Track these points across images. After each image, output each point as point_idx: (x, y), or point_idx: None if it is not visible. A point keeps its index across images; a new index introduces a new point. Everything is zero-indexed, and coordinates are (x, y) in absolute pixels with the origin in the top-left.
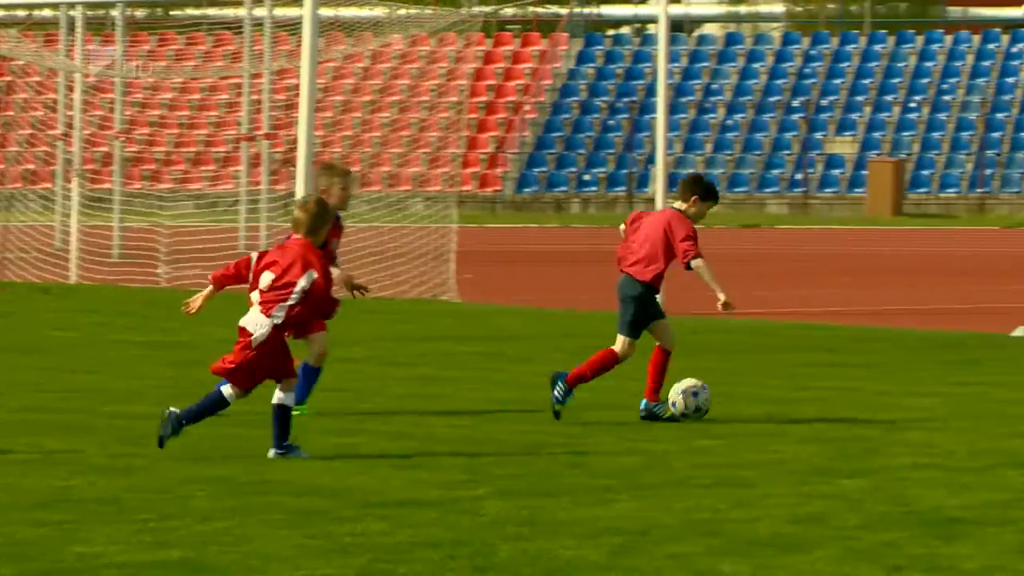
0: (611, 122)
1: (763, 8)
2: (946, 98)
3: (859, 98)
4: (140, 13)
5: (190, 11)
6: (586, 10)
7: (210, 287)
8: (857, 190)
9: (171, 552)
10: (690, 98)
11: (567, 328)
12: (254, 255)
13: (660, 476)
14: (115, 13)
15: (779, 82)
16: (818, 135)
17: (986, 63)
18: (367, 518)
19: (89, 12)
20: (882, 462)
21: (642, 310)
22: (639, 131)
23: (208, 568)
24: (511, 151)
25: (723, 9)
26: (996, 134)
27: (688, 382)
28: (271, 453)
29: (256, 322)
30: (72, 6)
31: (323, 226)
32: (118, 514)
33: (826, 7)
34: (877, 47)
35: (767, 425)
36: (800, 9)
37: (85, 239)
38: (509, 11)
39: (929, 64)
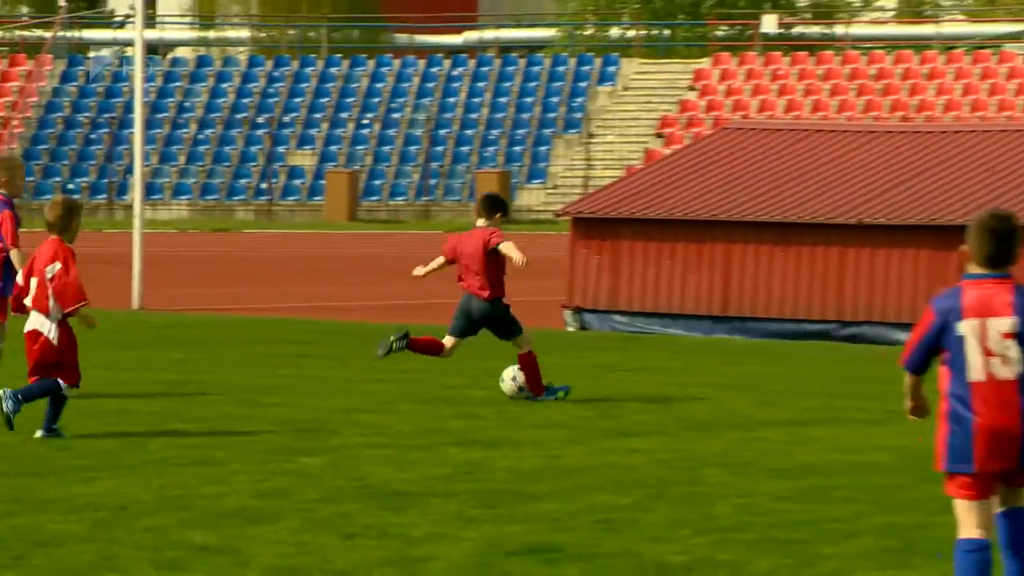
0: (93, 136)
1: (231, 34)
2: (395, 116)
3: (317, 115)
4: None
5: None
6: (69, 33)
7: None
8: (316, 198)
9: None
10: (165, 114)
11: None
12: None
13: (139, 457)
14: None
15: (245, 100)
16: (281, 148)
17: (430, 84)
18: None
19: None
20: (339, 441)
21: None
22: (119, 144)
23: None
24: None
25: (194, 34)
26: (439, 148)
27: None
28: None
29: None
30: None
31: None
32: None
33: (287, 33)
34: (333, 69)
35: (238, 408)
36: (264, 35)
37: None
38: None
39: (380, 85)
